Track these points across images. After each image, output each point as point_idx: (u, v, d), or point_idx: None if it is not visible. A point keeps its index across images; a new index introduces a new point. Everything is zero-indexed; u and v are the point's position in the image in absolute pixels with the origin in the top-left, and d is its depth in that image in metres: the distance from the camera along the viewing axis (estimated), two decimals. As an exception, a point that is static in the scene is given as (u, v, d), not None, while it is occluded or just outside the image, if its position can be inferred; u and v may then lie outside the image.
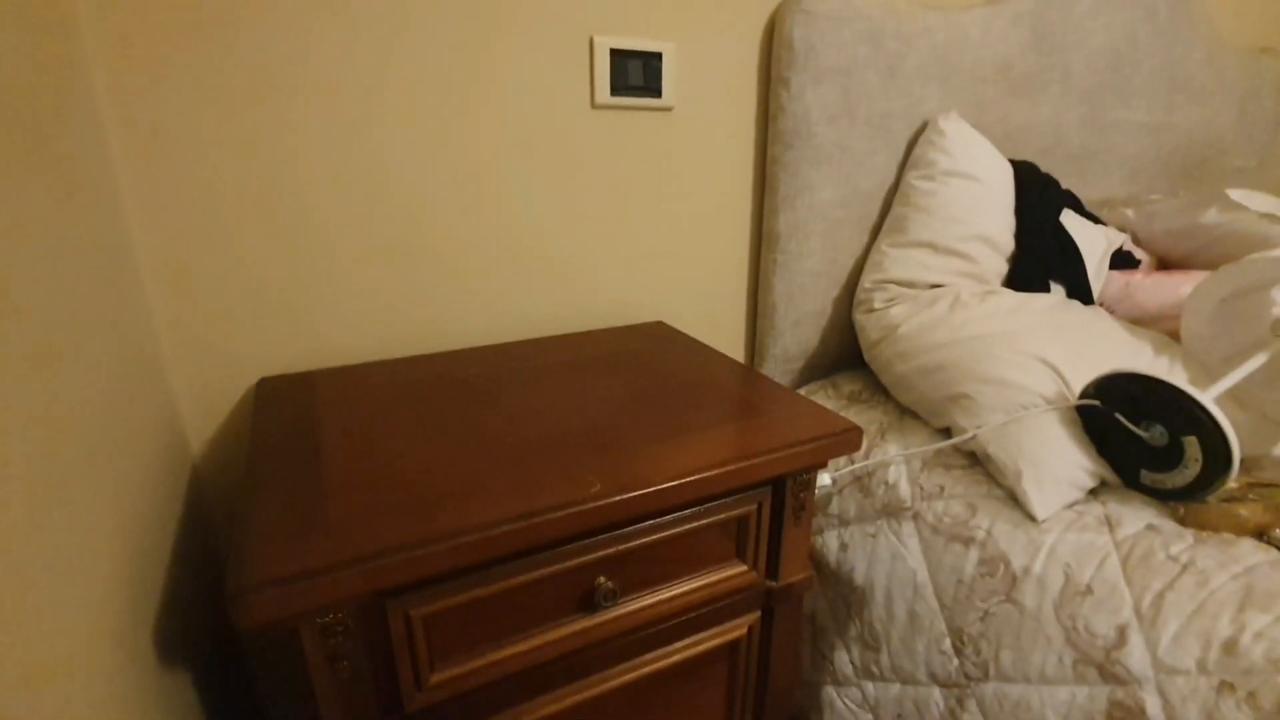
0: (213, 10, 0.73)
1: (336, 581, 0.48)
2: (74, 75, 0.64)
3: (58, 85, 0.59)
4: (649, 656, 0.69)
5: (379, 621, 0.53)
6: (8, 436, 0.41)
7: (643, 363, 0.87)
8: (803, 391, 1.18)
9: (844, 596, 0.95)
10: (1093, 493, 0.81)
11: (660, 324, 1.08)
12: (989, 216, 1.09)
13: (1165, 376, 0.71)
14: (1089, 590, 0.69)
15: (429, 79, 0.85)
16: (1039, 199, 1.14)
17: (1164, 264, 1.29)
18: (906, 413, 1.03)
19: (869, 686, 0.91)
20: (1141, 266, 1.24)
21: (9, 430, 0.41)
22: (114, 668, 0.50)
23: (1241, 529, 0.70)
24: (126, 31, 0.70)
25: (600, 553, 0.61)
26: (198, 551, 0.79)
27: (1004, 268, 1.11)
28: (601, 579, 0.62)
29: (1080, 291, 1.10)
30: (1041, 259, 1.10)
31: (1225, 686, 0.59)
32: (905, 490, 0.91)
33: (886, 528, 0.92)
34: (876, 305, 1.09)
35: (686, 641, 0.71)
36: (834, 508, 0.99)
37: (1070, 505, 0.78)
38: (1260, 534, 0.70)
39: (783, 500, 0.70)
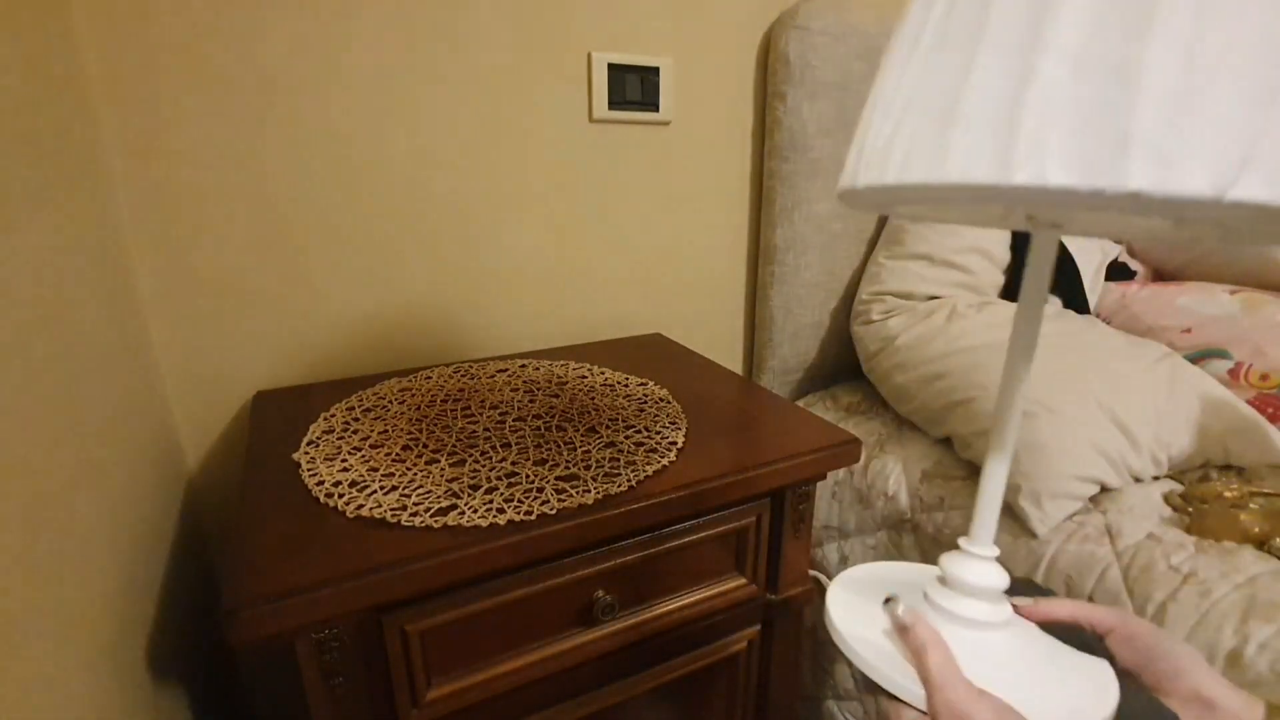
0: (212, 24, 0.73)
1: (332, 596, 0.48)
2: (72, 90, 0.64)
3: (55, 99, 0.60)
4: (649, 671, 0.68)
5: (375, 637, 0.53)
6: (2, 450, 0.41)
7: (642, 375, 0.87)
8: (801, 403, 1.18)
9: (845, 610, 0.94)
10: (1093, 500, 0.80)
11: (659, 336, 1.08)
12: (985, 229, 1.09)
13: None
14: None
15: (429, 93, 0.86)
16: (1034, 211, 1.15)
17: (1160, 275, 1.30)
18: (905, 424, 1.03)
19: (871, 701, 0.90)
20: (1137, 278, 1.25)
21: (3, 444, 0.41)
22: (107, 685, 0.49)
23: (1245, 536, 0.70)
24: (123, 45, 0.70)
25: (599, 566, 0.60)
26: (192, 566, 0.78)
27: (1000, 279, 1.11)
28: (600, 592, 0.61)
29: (1077, 303, 1.10)
30: (1038, 270, 1.11)
31: (1230, 699, 0.58)
32: (905, 502, 0.90)
33: (887, 539, 0.91)
34: (874, 317, 1.09)
35: (686, 655, 0.70)
36: (834, 519, 0.99)
37: (1070, 516, 0.78)
38: (1261, 543, 0.69)
39: (782, 512, 0.70)
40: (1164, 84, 0.24)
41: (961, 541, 0.40)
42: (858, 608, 0.40)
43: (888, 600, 0.38)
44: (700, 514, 0.65)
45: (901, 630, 0.36)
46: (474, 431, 0.70)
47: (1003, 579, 0.39)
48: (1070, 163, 0.25)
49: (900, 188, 0.31)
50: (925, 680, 0.34)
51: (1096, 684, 0.36)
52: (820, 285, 1.15)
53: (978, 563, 0.39)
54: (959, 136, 0.28)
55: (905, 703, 0.35)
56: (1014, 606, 0.40)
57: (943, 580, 0.40)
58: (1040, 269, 0.36)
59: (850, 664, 0.38)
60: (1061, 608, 0.40)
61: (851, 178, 0.33)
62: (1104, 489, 0.81)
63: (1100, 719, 0.34)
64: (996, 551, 0.40)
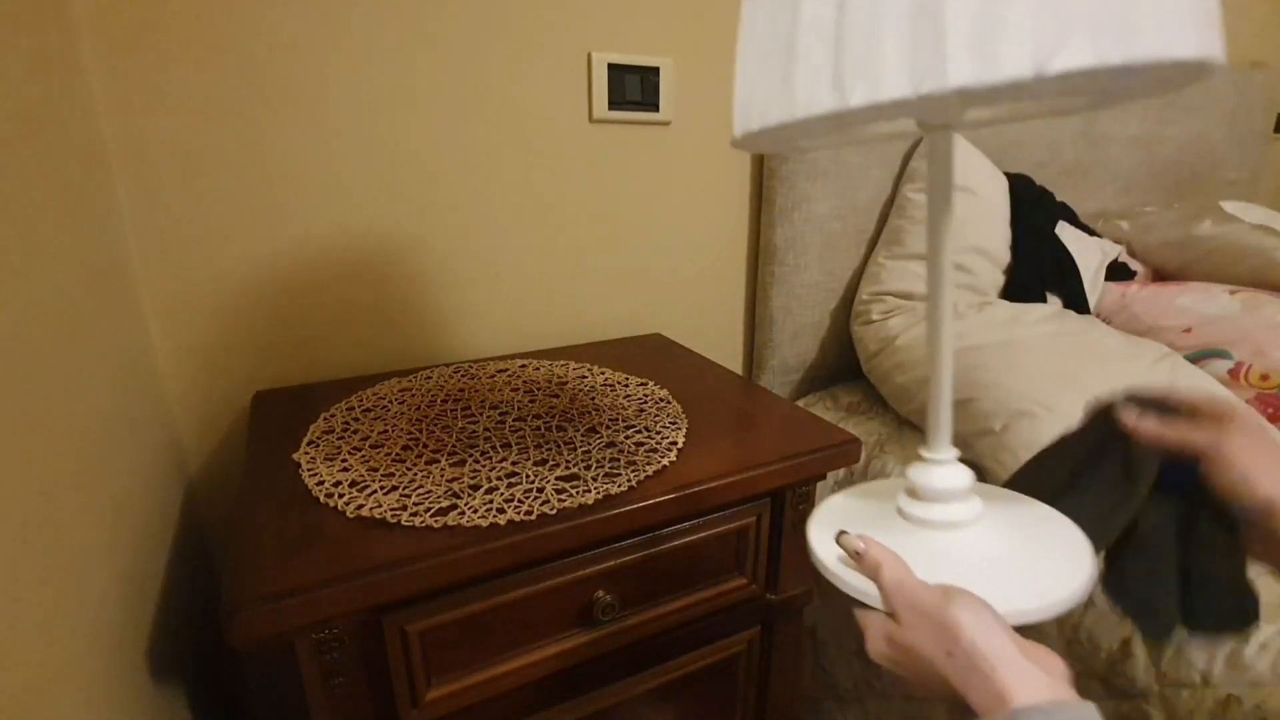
0: (213, 26, 0.73)
1: (332, 596, 0.48)
2: (75, 92, 0.64)
3: (59, 101, 0.60)
4: (649, 671, 0.68)
5: (375, 637, 0.53)
6: (3, 451, 0.41)
7: (642, 375, 0.87)
8: (801, 403, 1.18)
9: (846, 609, 0.94)
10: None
11: (659, 336, 1.08)
12: (985, 229, 1.09)
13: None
14: (1091, 602, 0.69)
15: (429, 94, 0.86)
16: (1034, 212, 1.15)
17: (1160, 275, 1.30)
18: (905, 424, 1.03)
19: (871, 703, 0.90)
20: (1137, 278, 1.25)
21: (4, 444, 0.41)
22: (107, 685, 0.49)
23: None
24: (125, 47, 0.70)
25: (599, 566, 0.60)
26: (192, 566, 0.78)
27: (1000, 280, 1.11)
28: (600, 593, 0.61)
29: (1077, 303, 1.10)
30: (1038, 271, 1.11)
31: (1232, 700, 0.58)
32: (905, 502, 0.90)
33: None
34: (874, 317, 1.09)
35: (687, 656, 0.70)
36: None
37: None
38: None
39: (782, 512, 0.70)
40: None
41: (922, 450, 0.42)
42: (834, 535, 0.42)
43: (839, 536, 0.40)
44: (700, 514, 0.64)
45: (856, 557, 0.38)
46: (474, 431, 0.70)
47: (965, 478, 0.41)
48: (898, 74, 0.26)
49: (765, 131, 0.32)
50: (882, 593, 0.36)
51: (1067, 566, 0.38)
52: (820, 285, 1.15)
53: (939, 468, 0.41)
54: (798, 74, 0.29)
55: (875, 609, 0.37)
56: (1118, 417, 0.42)
57: (911, 492, 0.42)
58: (941, 168, 0.38)
59: (830, 584, 0.41)
60: (1150, 429, 0.41)
61: (733, 129, 0.36)
62: (1104, 489, 0.80)
63: (1065, 599, 0.36)
64: (956, 453, 0.41)
